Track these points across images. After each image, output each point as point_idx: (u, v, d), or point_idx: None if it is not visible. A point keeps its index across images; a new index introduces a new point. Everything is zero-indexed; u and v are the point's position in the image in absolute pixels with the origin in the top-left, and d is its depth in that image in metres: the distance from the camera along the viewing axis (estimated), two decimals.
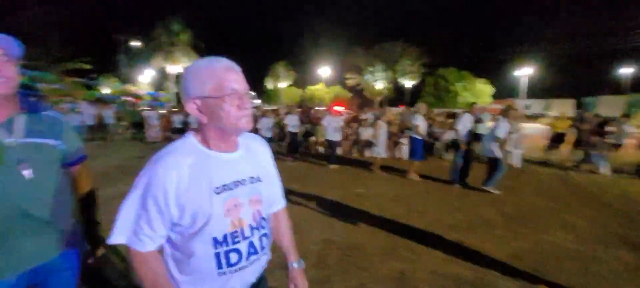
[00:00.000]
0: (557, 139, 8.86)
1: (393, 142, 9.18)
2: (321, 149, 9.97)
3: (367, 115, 10.72)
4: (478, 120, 6.60)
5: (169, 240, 0.95)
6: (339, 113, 8.92)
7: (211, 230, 0.89)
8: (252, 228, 0.97)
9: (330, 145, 7.82)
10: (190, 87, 0.90)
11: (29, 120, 1.12)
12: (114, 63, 32.01)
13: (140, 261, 0.91)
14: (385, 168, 7.17)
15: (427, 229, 3.79)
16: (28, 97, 1.18)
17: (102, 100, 19.20)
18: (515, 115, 5.73)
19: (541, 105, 46.22)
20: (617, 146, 7.82)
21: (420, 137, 6.37)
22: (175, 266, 0.96)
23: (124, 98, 25.07)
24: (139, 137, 12.53)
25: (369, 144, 9.34)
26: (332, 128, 7.67)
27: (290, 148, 8.30)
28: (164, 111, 16.17)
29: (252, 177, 0.99)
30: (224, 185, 0.92)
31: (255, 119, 8.62)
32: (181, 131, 11.43)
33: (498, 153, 5.38)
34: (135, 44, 30.24)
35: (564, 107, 29.56)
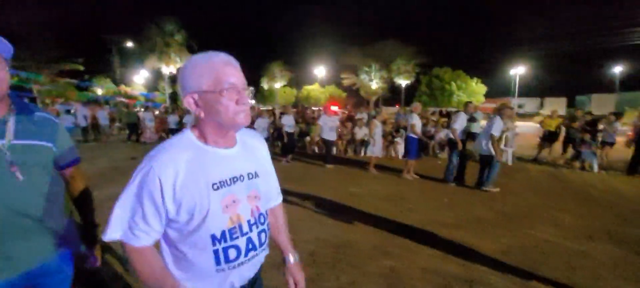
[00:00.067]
0: (548, 137, 8.98)
1: (387, 141, 9.25)
2: (316, 149, 10.00)
3: (362, 115, 10.78)
4: (471, 119, 6.67)
5: (166, 236, 0.93)
6: (335, 112, 8.95)
7: (209, 226, 0.88)
8: (250, 224, 0.96)
9: (326, 144, 7.85)
10: (188, 82, 0.89)
11: (20, 121, 1.10)
12: (108, 64, 31.78)
13: (136, 256, 0.89)
14: (380, 167, 7.22)
15: (418, 227, 3.84)
16: (20, 98, 1.17)
17: (96, 102, 19.06)
18: (509, 114, 5.79)
19: (534, 103, 46.71)
20: (607, 144, 7.95)
21: (416, 136, 6.43)
22: (172, 263, 0.95)
23: (118, 99, 24.90)
24: (134, 138, 12.45)
25: (363, 143, 9.41)
26: (328, 127, 7.71)
27: (286, 148, 8.31)
28: (159, 112, 16.09)
29: (249, 173, 0.99)
30: (222, 181, 0.91)
31: (252, 120, 8.64)
32: (176, 132, 11.38)
33: (492, 151, 5.43)
34: (129, 44, 30.00)
35: (556, 106, 29.94)
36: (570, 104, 40.55)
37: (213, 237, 0.90)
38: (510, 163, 8.04)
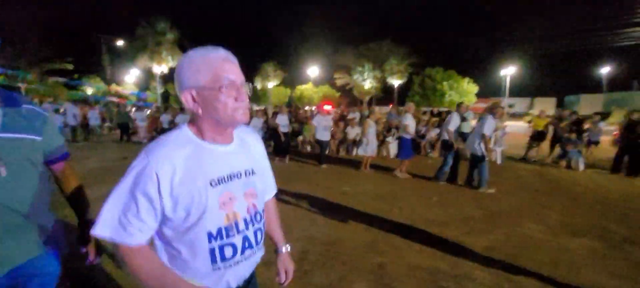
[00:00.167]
0: (537, 137, 9.16)
1: (379, 140, 9.34)
2: (309, 148, 10.04)
3: (354, 114, 10.86)
4: (462, 119, 6.77)
5: (160, 234, 0.91)
6: (327, 112, 9.00)
7: (205, 223, 0.87)
8: (246, 222, 0.95)
9: (320, 144, 7.89)
10: (185, 77, 0.87)
11: (6, 114, 1.05)
12: (98, 63, 31.35)
13: (132, 255, 0.85)
14: (372, 166, 7.29)
15: (408, 225, 3.91)
16: (5, 89, 1.11)
17: (85, 101, 18.82)
18: (500, 113, 5.87)
19: (525, 103, 47.44)
20: (592, 143, 8.16)
21: (409, 137, 6.50)
22: (167, 261, 0.93)
23: (108, 99, 24.61)
24: (125, 138, 12.31)
25: (355, 143, 9.49)
26: (322, 127, 7.75)
27: (280, 148, 8.33)
28: (150, 111, 15.95)
29: (247, 170, 0.98)
30: (220, 178, 0.90)
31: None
32: (169, 132, 11.31)
33: (483, 151, 5.49)
34: (120, 43, 29.63)
35: (546, 106, 30.45)
36: (560, 104, 41.26)
37: (209, 234, 0.88)
38: (499, 162, 8.18)
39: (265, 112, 12.29)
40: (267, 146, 9.58)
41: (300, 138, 10.33)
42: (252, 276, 1.08)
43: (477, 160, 5.60)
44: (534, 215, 4.34)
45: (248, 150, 1.03)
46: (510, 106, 43.29)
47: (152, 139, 10.40)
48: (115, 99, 24.11)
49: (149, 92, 36.89)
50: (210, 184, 0.87)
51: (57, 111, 11.82)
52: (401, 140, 6.70)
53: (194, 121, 0.92)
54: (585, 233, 3.72)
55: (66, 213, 3.18)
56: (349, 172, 7.08)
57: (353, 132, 9.56)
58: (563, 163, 7.92)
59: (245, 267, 0.99)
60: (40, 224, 1.16)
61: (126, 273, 0.87)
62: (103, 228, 0.83)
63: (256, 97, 44.62)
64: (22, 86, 21.09)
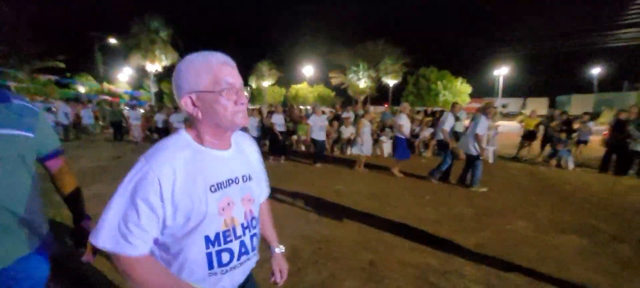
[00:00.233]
0: (528, 136, 9.29)
1: (373, 139, 9.38)
2: (303, 147, 10.06)
3: (349, 114, 10.88)
4: (456, 119, 6.83)
5: (156, 240, 0.89)
6: (322, 111, 9.03)
7: (204, 228, 0.87)
8: (243, 227, 0.96)
9: (316, 144, 7.91)
10: (185, 82, 0.86)
11: None
12: (90, 61, 30.97)
13: (137, 266, 0.82)
14: (366, 165, 7.32)
15: (399, 222, 3.95)
16: None
17: (77, 99, 18.60)
18: (493, 113, 5.92)
19: (518, 104, 47.96)
20: (581, 142, 8.29)
21: (403, 136, 6.54)
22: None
23: (101, 97, 24.35)
24: (119, 137, 12.20)
25: (349, 142, 9.52)
26: (317, 127, 7.78)
27: (277, 148, 8.34)
28: (144, 110, 15.82)
29: (244, 176, 0.98)
30: (219, 183, 0.89)
31: None
32: (163, 131, 11.24)
33: (476, 150, 5.53)
34: (112, 41, 29.30)
35: (538, 106, 30.82)
36: (552, 104, 41.81)
37: (207, 239, 0.88)
38: (491, 161, 8.27)
39: (260, 111, 12.28)
40: (261, 146, 9.66)
41: (295, 137, 10.34)
42: (248, 279, 1.08)
43: (472, 160, 5.65)
44: (524, 213, 4.41)
45: (245, 155, 1.04)
46: (504, 106, 43.77)
47: (146, 138, 10.35)
48: (108, 98, 23.83)
49: (142, 90, 36.59)
50: (210, 189, 0.87)
51: (49, 110, 11.63)
52: (396, 140, 6.74)
53: (192, 125, 0.92)
54: (574, 231, 3.79)
55: (61, 213, 3.17)
56: (343, 171, 7.10)
57: (347, 132, 9.60)
58: (553, 162, 8.04)
59: (240, 272, 0.99)
60: (32, 224, 1.14)
61: (129, 286, 0.84)
62: (103, 240, 0.80)
63: (251, 96, 44.49)
64: (12, 85, 20.77)
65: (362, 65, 34.89)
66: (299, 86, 43.58)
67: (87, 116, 12.78)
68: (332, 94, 42.57)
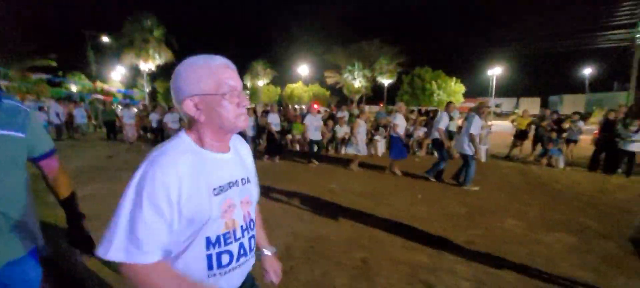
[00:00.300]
0: (520, 136, 9.41)
1: (367, 139, 9.43)
2: (298, 146, 10.07)
3: (343, 113, 10.92)
4: (450, 118, 6.90)
5: None
6: (318, 110, 9.07)
7: (206, 230, 0.87)
8: (242, 230, 0.97)
9: (310, 144, 7.93)
10: (186, 84, 0.86)
11: None
12: (82, 60, 30.58)
13: (149, 274, 0.81)
14: (360, 165, 7.35)
15: (391, 220, 3.99)
16: None
17: (69, 98, 18.37)
18: (486, 112, 5.98)
19: (511, 103, 48.47)
20: (571, 141, 8.43)
21: (398, 136, 6.59)
22: None
23: (94, 96, 24.08)
24: (112, 136, 12.08)
25: (343, 141, 9.57)
26: (313, 127, 7.81)
27: (273, 147, 8.35)
28: (137, 110, 15.67)
29: (243, 179, 1.00)
30: (221, 186, 0.90)
31: None
32: (156, 131, 11.16)
33: (470, 150, 5.58)
34: (105, 39, 28.98)
35: (530, 106, 31.19)
36: (544, 104, 42.32)
37: (208, 241, 0.89)
38: (484, 160, 8.37)
39: (254, 110, 12.26)
40: (256, 145, 9.66)
41: (289, 136, 10.36)
42: (246, 281, 1.09)
43: (466, 159, 5.69)
44: (515, 212, 4.48)
45: (242, 158, 1.06)
46: (497, 106, 44.19)
47: (139, 138, 10.23)
48: (100, 97, 23.58)
49: (136, 89, 36.26)
50: (214, 192, 0.88)
51: (40, 109, 11.45)
52: (391, 139, 6.79)
53: (193, 128, 0.91)
54: (563, 229, 3.86)
55: (54, 214, 3.15)
56: (337, 170, 7.14)
57: (342, 131, 9.64)
58: (544, 161, 8.16)
59: (239, 273, 1.00)
60: (25, 226, 1.13)
61: None
62: (114, 252, 0.77)
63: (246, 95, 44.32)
64: (3, 83, 20.46)
65: (357, 65, 35.00)
66: (294, 85, 43.55)
67: (79, 115, 12.62)
68: (328, 93, 42.61)
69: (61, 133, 11.92)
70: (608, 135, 7.23)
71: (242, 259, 0.98)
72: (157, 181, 0.78)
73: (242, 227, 0.97)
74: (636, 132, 6.70)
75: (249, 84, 41.73)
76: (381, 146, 9.65)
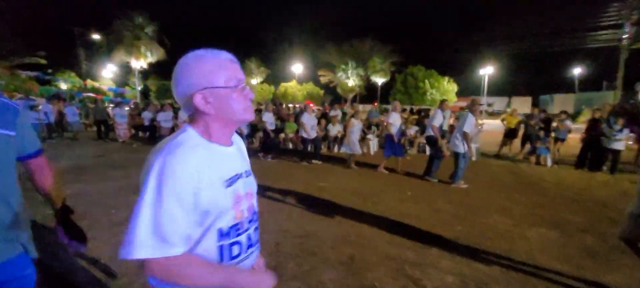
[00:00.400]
0: (509, 134, 9.58)
1: (360, 137, 9.51)
2: (291, 145, 10.11)
3: (336, 112, 10.99)
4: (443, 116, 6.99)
5: None
6: (311, 109, 9.15)
7: (219, 222, 0.89)
8: (248, 221, 0.99)
9: (304, 142, 7.98)
10: (195, 78, 0.86)
11: None
12: (73, 57, 30.13)
13: (182, 265, 0.81)
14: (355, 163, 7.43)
15: (380, 217, 4.07)
16: None
17: (58, 96, 18.10)
18: (479, 109, 6.06)
19: (503, 102, 49.09)
20: (559, 140, 8.62)
21: (392, 134, 6.67)
22: None
23: (85, 94, 23.79)
24: (103, 135, 11.95)
25: (336, 140, 9.63)
26: (309, 126, 7.86)
27: (268, 146, 8.38)
28: (129, 108, 15.52)
29: (246, 171, 1.02)
30: (231, 178, 0.92)
31: None
32: (150, 129, 11.10)
33: (462, 148, 5.61)
34: (96, 37, 28.59)
35: (522, 105, 31.65)
36: (535, 103, 42.93)
37: (220, 232, 0.90)
38: (474, 158, 8.51)
39: None
40: (250, 143, 9.67)
41: (282, 135, 10.39)
42: None
43: (459, 157, 5.73)
44: (501, 208, 4.59)
45: (242, 152, 1.08)
46: (489, 105, 44.73)
47: (133, 137, 10.16)
48: (92, 95, 23.31)
49: (127, 87, 35.89)
50: (224, 183, 0.90)
51: (32, 108, 11.18)
52: (386, 138, 6.87)
53: (199, 122, 0.91)
54: (545, 224, 3.98)
55: (43, 213, 3.15)
56: (329, 168, 7.20)
57: (334, 130, 9.70)
58: (533, 159, 8.33)
59: (246, 265, 1.01)
60: (17, 225, 1.12)
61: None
62: (140, 250, 0.76)
63: None
64: None
65: (351, 64, 35.08)
66: (288, 84, 43.53)
67: (71, 113, 12.44)
68: (321, 92, 42.66)
69: (52, 131, 11.76)
70: (593, 134, 7.41)
71: (249, 250, 1.01)
72: (177, 173, 0.78)
73: (247, 218, 0.99)
74: (620, 130, 6.88)
75: None
76: (373, 145, 9.74)
